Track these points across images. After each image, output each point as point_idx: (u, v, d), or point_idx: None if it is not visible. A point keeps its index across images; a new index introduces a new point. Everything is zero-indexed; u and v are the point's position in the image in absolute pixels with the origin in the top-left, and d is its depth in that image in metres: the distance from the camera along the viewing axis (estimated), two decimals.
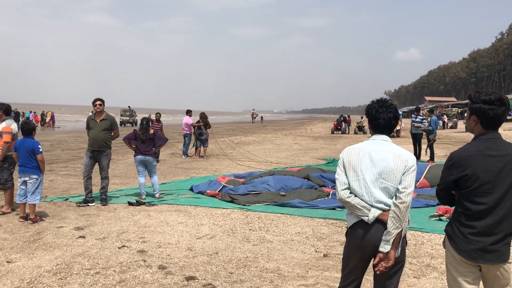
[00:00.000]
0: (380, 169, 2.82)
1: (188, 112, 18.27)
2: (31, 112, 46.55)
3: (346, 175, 2.93)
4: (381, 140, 2.94)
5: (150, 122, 9.29)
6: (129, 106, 52.34)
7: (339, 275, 4.76)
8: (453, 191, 2.82)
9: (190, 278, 4.71)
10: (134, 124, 45.66)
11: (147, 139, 8.89)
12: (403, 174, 2.80)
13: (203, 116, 17.54)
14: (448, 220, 6.99)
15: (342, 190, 2.92)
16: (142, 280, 4.65)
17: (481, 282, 2.85)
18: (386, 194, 2.82)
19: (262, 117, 68.28)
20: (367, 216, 2.82)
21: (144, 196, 8.78)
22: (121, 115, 49.08)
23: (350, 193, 2.90)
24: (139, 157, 8.89)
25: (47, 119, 45.48)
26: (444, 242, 2.91)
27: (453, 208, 2.91)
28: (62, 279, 4.64)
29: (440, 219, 7.22)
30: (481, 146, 2.73)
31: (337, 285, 4.49)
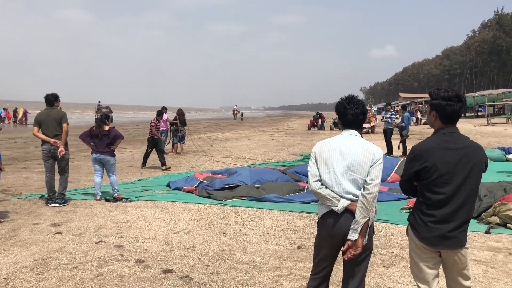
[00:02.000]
0: (349, 162, 2.98)
1: (164, 109, 18.20)
2: (4, 109, 45.51)
3: (317, 168, 3.08)
4: (351, 135, 3.10)
5: (107, 120, 8.70)
6: (99, 102, 51.33)
7: (312, 265, 4.95)
8: (415, 182, 3.00)
9: (167, 271, 4.81)
10: (110, 121, 45.08)
11: (102, 135, 8.38)
12: (371, 167, 2.96)
13: (180, 113, 17.54)
14: None
15: (313, 181, 3.06)
16: (120, 274, 4.72)
17: (441, 267, 3.05)
18: (354, 185, 2.98)
19: (242, 114, 68.17)
20: (337, 206, 2.97)
21: (98, 197, 8.34)
22: (96, 112, 48.36)
23: (321, 184, 3.05)
24: (94, 155, 8.41)
25: (19, 116, 44.56)
26: (407, 230, 3.09)
27: None
28: (39, 274, 4.68)
29: (410, 212, 7.46)
30: (440, 140, 2.92)
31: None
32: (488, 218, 6.65)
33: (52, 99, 8.06)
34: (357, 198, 2.97)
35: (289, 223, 6.87)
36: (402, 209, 7.64)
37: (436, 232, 2.87)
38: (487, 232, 6.27)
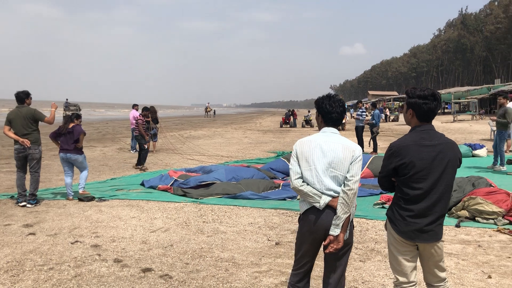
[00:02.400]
0: (330, 159, 3.04)
1: (135, 106, 17.98)
2: None
3: (299, 165, 3.13)
4: (331, 133, 3.16)
5: (76, 119, 8.45)
6: (67, 100, 49.96)
7: (290, 261, 5.02)
8: (393, 178, 3.09)
9: (146, 270, 4.79)
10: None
11: (67, 132, 8.19)
12: (351, 164, 3.03)
13: (152, 111, 17.37)
14: None
15: (295, 179, 3.12)
16: (98, 274, 4.67)
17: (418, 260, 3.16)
18: (335, 182, 3.05)
19: (214, 111, 67.71)
20: (319, 203, 3.04)
21: (71, 197, 8.17)
22: (64, 110, 47.16)
23: (303, 181, 3.10)
24: (61, 154, 8.23)
25: None
26: (385, 225, 3.18)
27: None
28: (14, 276, 4.58)
29: (383, 207, 7.65)
30: (417, 137, 3.02)
31: (289, 270, 4.75)
32: (458, 212, 6.88)
33: (23, 97, 7.87)
34: (338, 195, 3.04)
35: (266, 220, 6.93)
36: (375, 204, 7.81)
37: (414, 226, 2.97)
38: (457, 225, 6.49)
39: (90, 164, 13.26)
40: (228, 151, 17.28)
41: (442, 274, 3.13)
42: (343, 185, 3.03)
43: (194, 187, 9.17)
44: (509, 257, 5.21)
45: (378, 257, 5.29)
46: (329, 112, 3.19)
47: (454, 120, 37.68)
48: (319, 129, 3.29)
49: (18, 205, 7.65)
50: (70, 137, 8.18)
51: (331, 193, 3.04)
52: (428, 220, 2.97)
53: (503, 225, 6.43)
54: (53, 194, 8.64)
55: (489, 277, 4.62)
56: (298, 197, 8.33)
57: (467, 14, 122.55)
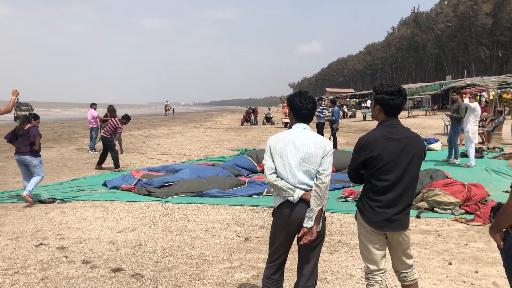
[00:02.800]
0: (303, 154, 3.14)
1: (93, 105, 17.57)
2: None
3: (273, 161, 3.21)
4: (303, 129, 3.25)
5: (34, 120, 8.13)
6: (17, 99, 48.05)
7: (261, 256, 5.12)
8: (362, 171, 3.23)
9: (117, 270, 4.74)
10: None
11: (23, 134, 7.90)
12: (322, 158, 3.14)
13: (111, 110, 17.03)
14: (354, 201, 7.66)
15: (270, 174, 3.19)
16: (67, 276, 4.59)
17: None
18: (308, 176, 3.14)
19: (174, 110, 66.77)
20: (293, 196, 3.12)
21: (31, 200, 7.75)
22: (16, 110, 45.34)
23: (277, 176, 3.18)
24: (16, 156, 7.96)
25: None
26: (356, 215, 3.31)
27: (356, 190, 3.32)
28: None
29: (346, 200, 7.86)
30: (384, 131, 3.16)
31: (260, 264, 4.85)
32: (418, 204, 7.16)
33: None
34: (310, 188, 3.13)
35: (234, 216, 6.98)
36: (338, 198, 8.01)
37: (383, 216, 3.11)
38: (417, 216, 6.76)
39: (48, 165, 12.89)
40: (190, 150, 17.19)
41: (410, 261, 3.29)
42: (315, 178, 3.12)
43: (158, 187, 9.10)
44: (467, 245, 5.50)
45: (345, 248, 5.45)
46: (300, 108, 3.28)
47: (408, 115, 38.94)
48: (291, 125, 3.38)
49: None
50: (26, 138, 7.90)
51: (304, 187, 3.13)
52: (396, 210, 3.11)
53: (460, 214, 6.76)
54: (10, 198, 8.34)
55: (450, 263, 4.87)
56: (264, 193, 8.47)
57: (419, 12, 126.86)
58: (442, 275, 4.55)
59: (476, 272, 4.63)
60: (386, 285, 3.28)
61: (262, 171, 11.02)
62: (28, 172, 8.02)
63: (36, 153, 7.96)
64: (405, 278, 3.29)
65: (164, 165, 11.88)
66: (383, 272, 3.24)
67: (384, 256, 3.25)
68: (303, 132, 3.23)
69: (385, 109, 3.19)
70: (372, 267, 3.22)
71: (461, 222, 6.46)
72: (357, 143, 3.24)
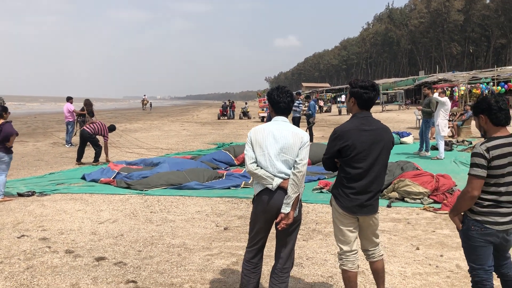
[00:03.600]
0: (282, 145, 3.36)
1: (69, 99, 17.41)
2: None
3: (253, 151, 3.42)
4: (282, 121, 3.48)
5: (4, 113, 7.82)
6: None
7: (240, 244, 5.34)
8: (336, 159, 3.48)
9: (100, 259, 4.89)
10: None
11: None
12: (300, 149, 3.36)
13: (88, 104, 16.97)
14: (328, 192, 7.94)
15: (250, 163, 3.40)
16: (51, 265, 4.71)
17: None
18: (286, 165, 3.37)
19: (151, 104, 66.16)
20: (271, 184, 3.34)
21: (1, 198, 7.61)
22: None
23: (257, 165, 3.39)
24: None
25: None
26: (331, 201, 3.56)
27: (331, 181, 3.57)
28: None
29: (321, 192, 8.15)
30: (358, 123, 3.42)
31: (239, 252, 5.07)
32: (389, 194, 7.50)
33: None
34: (288, 177, 3.36)
35: (213, 207, 7.18)
36: (314, 189, 8.29)
37: (356, 202, 3.38)
38: (389, 206, 7.09)
39: (24, 159, 12.83)
40: (168, 144, 17.25)
41: (377, 240, 3.63)
42: (293, 168, 3.35)
43: (137, 180, 9.20)
44: (434, 231, 5.84)
45: (319, 236, 5.72)
46: (277, 102, 3.51)
47: (382, 110, 39.72)
48: (270, 118, 3.61)
49: None
50: None
51: (283, 175, 3.36)
52: (368, 196, 3.39)
53: (428, 204, 7.12)
54: None
55: (417, 248, 5.19)
56: (242, 185, 8.68)
57: (393, 8, 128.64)
58: (410, 259, 4.86)
59: (441, 256, 4.96)
60: (358, 265, 3.55)
61: (240, 165, 11.26)
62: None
63: (9, 150, 7.74)
64: (373, 255, 3.61)
65: (142, 159, 11.96)
66: (356, 253, 3.52)
67: (356, 237, 3.53)
68: (282, 125, 3.45)
69: (359, 102, 3.45)
70: (345, 248, 3.49)
71: (429, 210, 6.82)
72: (332, 133, 3.50)
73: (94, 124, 12.11)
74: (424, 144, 12.51)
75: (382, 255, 3.69)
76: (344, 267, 3.50)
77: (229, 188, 8.59)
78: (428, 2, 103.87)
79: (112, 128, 12.79)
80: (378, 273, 3.64)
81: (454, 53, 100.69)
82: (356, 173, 3.36)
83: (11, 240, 5.51)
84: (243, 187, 8.62)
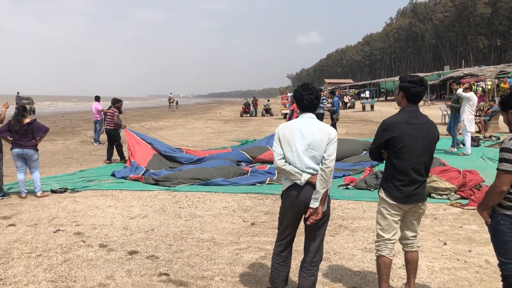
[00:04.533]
0: (309, 141, 3.44)
1: (97, 98, 17.82)
2: None
3: (281, 147, 3.51)
4: (308, 118, 3.55)
5: (25, 112, 7.98)
6: (18, 93, 48.14)
7: (267, 238, 5.44)
8: (382, 150, 3.64)
9: (133, 252, 5.06)
10: (32, 113, 42.70)
11: (22, 129, 7.75)
12: (327, 145, 3.44)
13: (115, 102, 17.28)
14: (354, 189, 7.97)
15: (278, 159, 3.49)
16: (86, 258, 4.91)
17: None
18: (314, 161, 3.45)
19: (177, 102, 66.74)
20: (300, 180, 3.43)
21: (24, 195, 7.86)
22: (16, 104, 45.45)
23: (285, 161, 3.48)
24: (16, 150, 7.76)
25: None
26: (379, 191, 3.73)
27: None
28: (4, 264, 4.75)
29: (347, 188, 8.18)
30: (406, 116, 3.58)
31: (267, 246, 5.17)
32: None
33: None
34: (316, 172, 3.43)
35: (239, 203, 7.30)
36: (339, 186, 8.32)
37: (406, 193, 3.54)
38: None
39: (55, 157, 13.22)
40: (192, 141, 17.48)
41: (418, 230, 3.79)
42: (321, 163, 3.43)
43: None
44: (461, 227, 5.83)
45: (346, 231, 5.77)
46: (301, 99, 3.60)
47: None
48: (290, 116, 3.70)
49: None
50: (29, 132, 7.80)
51: (311, 171, 3.44)
52: (415, 186, 3.55)
53: (455, 199, 7.08)
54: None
55: (445, 244, 5.19)
56: (267, 182, 8.78)
57: (417, 2, 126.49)
58: (437, 254, 4.88)
59: (469, 251, 4.96)
60: (393, 254, 3.72)
61: (259, 163, 11.30)
62: (24, 166, 7.93)
63: (36, 147, 7.99)
64: (412, 244, 3.75)
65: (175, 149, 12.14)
66: (394, 242, 3.69)
67: (398, 228, 3.70)
68: (309, 121, 3.53)
69: (407, 95, 3.62)
70: (387, 236, 3.66)
71: (456, 206, 6.79)
72: (381, 124, 3.67)
73: (108, 117, 12.46)
74: (452, 139, 12.37)
75: (419, 246, 3.83)
76: (382, 253, 3.68)
77: (254, 184, 8.70)
78: None
79: (116, 101, 13.05)
80: (412, 264, 3.77)
81: (481, 47, 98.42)
82: (403, 165, 3.52)
83: (47, 235, 5.74)
84: (268, 183, 8.72)
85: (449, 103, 12.58)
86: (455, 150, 12.18)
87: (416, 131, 3.53)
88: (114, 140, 12.16)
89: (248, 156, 11.46)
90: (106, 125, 12.39)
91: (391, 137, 3.53)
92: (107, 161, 12.11)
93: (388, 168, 3.65)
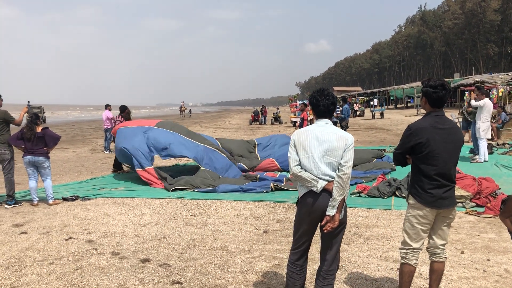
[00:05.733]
0: (325, 148, 3.37)
1: (107, 106, 17.92)
2: None
3: (297, 154, 3.45)
4: (324, 124, 3.49)
5: (38, 120, 7.99)
6: (28, 102, 48.51)
7: (280, 247, 5.37)
8: (407, 155, 3.60)
9: (145, 260, 5.02)
10: (43, 121, 43.03)
11: (35, 137, 7.79)
12: (344, 151, 3.37)
13: (127, 111, 17.36)
14: (366, 196, 7.89)
15: (294, 166, 3.43)
16: (98, 266, 4.87)
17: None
18: (330, 168, 3.38)
19: (190, 110, 66.96)
20: (316, 187, 3.36)
21: (36, 202, 7.90)
22: (28, 112, 45.77)
23: (301, 168, 3.42)
24: (28, 157, 7.77)
25: None
26: (407, 199, 3.67)
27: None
28: (17, 272, 4.73)
29: (359, 196, 8.09)
30: (432, 121, 3.53)
31: (280, 255, 5.10)
32: None
33: None
34: (333, 179, 3.36)
35: (251, 211, 7.24)
36: (352, 193, 8.23)
37: (436, 197, 3.48)
38: None
39: (66, 165, 13.26)
40: None
41: (447, 237, 3.70)
42: (337, 170, 3.36)
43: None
44: (478, 235, 5.71)
45: (361, 240, 5.68)
46: (317, 105, 3.53)
47: (417, 113, 38.96)
48: (302, 123, 3.65)
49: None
50: (39, 141, 7.83)
51: (327, 178, 3.37)
52: (445, 190, 3.50)
53: (471, 207, 6.96)
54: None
55: (462, 252, 5.09)
56: (271, 187, 8.73)
57: (426, 10, 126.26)
58: (455, 263, 4.78)
59: (488, 260, 4.85)
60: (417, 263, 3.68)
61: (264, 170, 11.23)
62: (35, 173, 7.93)
63: (47, 155, 8.00)
64: (441, 254, 3.69)
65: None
66: (420, 251, 3.64)
67: (425, 238, 3.64)
68: (325, 127, 3.47)
69: (430, 100, 3.57)
70: (415, 245, 3.61)
71: (472, 214, 6.67)
72: (406, 129, 3.62)
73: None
74: (474, 147, 12.22)
75: (447, 257, 3.76)
76: (408, 262, 3.64)
77: (262, 192, 8.64)
78: (462, 2, 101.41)
79: (123, 109, 13.32)
80: (438, 274, 3.72)
81: (491, 54, 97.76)
82: (431, 170, 3.47)
83: (59, 242, 5.72)
84: (276, 189, 8.72)
85: (470, 109, 12.48)
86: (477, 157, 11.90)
87: (443, 136, 3.48)
88: None
89: (245, 166, 11.32)
90: (113, 133, 12.43)
91: (417, 142, 3.48)
92: (114, 169, 11.97)
93: (415, 174, 3.60)
